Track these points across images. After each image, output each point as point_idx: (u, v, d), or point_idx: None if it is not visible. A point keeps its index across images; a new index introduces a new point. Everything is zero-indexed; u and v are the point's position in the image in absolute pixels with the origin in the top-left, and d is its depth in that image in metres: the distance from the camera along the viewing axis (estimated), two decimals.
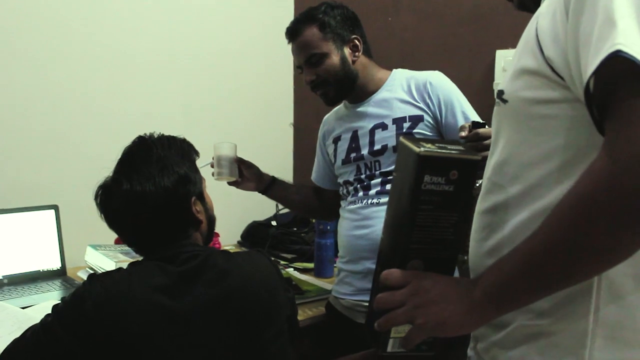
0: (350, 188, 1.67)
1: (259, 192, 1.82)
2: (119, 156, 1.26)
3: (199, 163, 1.31)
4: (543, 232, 0.73)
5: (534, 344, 0.83)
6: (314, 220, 2.39)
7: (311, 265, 2.18)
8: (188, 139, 1.33)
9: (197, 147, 1.33)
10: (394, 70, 1.67)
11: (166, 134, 1.31)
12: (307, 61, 1.61)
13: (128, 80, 2.31)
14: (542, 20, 0.78)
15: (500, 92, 0.87)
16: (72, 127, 2.19)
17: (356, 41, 1.63)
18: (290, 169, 2.85)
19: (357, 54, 1.63)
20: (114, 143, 1.29)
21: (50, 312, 1.19)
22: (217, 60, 2.56)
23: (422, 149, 0.82)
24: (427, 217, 0.84)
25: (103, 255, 1.82)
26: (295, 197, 1.88)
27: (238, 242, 2.59)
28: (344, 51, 1.61)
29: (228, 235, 2.47)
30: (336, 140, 1.72)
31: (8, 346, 1.21)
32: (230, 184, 1.77)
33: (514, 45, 1.95)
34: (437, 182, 0.82)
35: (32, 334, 1.19)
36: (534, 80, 0.80)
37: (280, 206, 2.52)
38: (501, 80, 1.93)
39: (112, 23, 2.25)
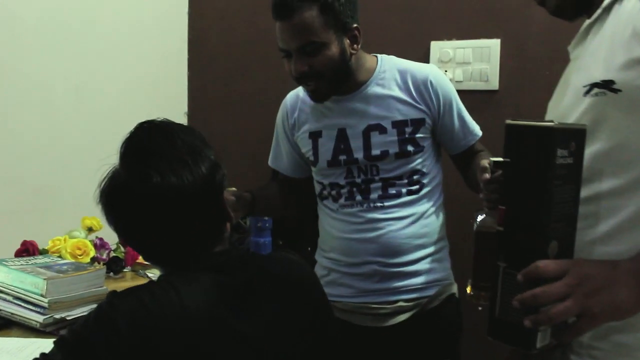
0: (343, 191, 1.51)
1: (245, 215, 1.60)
2: (122, 149, 1.02)
3: None
4: None
5: None
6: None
7: None
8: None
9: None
10: (379, 56, 1.54)
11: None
12: (301, 49, 1.38)
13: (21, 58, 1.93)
14: None
15: (610, 82, 0.87)
16: None
17: (357, 32, 1.45)
18: None
19: (355, 46, 1.45)
20: None
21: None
22: (106, 41, 2.23)
23: (552, 123, 0.81)
24: (560, 192, 0.82)
25: (19, 271, 1.44)
26: (276, 203, 1.67)
27: None
28: (344, 42, 1.42)
29: None
30: (315, 136, 1.53)
31: None
32: None
33: (449, 37, 2.03)
34: (563, 155, 0.82)
35: None
36: None
37: None
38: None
39: None
